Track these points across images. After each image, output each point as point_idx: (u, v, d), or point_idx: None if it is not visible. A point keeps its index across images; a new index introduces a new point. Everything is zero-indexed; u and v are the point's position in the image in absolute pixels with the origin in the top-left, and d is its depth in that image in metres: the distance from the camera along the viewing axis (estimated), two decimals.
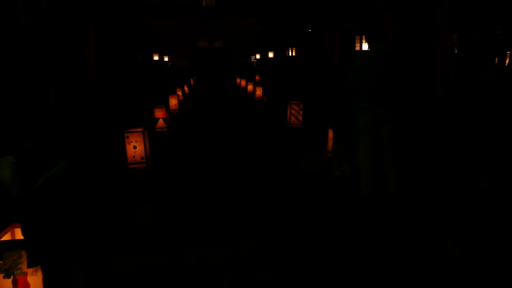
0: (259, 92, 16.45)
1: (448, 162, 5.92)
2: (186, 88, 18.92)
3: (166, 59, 29.05)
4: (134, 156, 6.07)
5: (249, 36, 32.67)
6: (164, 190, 5.10)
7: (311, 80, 16.44)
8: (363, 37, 10.68)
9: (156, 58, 24.79)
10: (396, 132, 4.35)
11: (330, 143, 6.61)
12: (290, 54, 20.81)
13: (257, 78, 25.03)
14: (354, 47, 11.06)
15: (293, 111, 9.48)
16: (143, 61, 19.93)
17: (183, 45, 32.89)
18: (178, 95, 13.54)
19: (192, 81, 26.03)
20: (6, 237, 2.51)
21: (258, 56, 30.88)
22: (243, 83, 23.36)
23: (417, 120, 7.00)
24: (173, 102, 12.99)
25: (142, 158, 6.10)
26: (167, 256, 3.30)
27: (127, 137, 6.02)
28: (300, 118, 9.50)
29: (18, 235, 2.44)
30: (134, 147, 6.04)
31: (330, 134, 6.57)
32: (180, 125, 10.28)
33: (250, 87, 18.97)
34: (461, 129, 6.70)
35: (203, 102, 16.38)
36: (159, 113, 9.30)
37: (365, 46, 10.78)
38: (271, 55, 25.97)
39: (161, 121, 9.32)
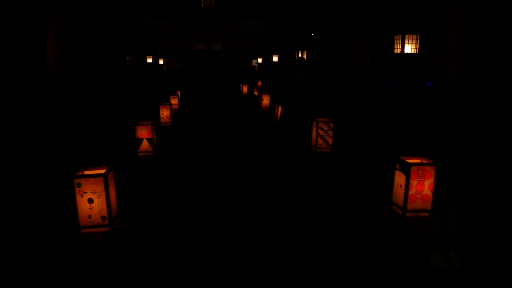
0: (266, 101, 14.14)
1: None
2: (178, 93, 16.54)
3: (161, 62, 26.78)
4: (89, 216, 3.73)
5: (251, 38, 30.47)
6: (137, 276, 2.79)
7: (330, 90, 14.14)
8: (406, 36, 8.38)
9: (149, 60, 22.52)
10: None
11: (398, 192, 4.32)
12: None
13: (260, 83, 22.91)
14: (393, 49, 8.73)
15: (320, 132, 7.17)
16: (132, 64, 17.54)
17: (180, 47, 30.67)
18: (171, 104, 11.17)
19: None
20: None
21: (260, 60, 28.52)
22: (244, 89, 21.10)
23: None
24: (164, 113, 10.67)
25: (103, 218, 3.76)
26: None
27: (79, 185, 3.68)
28: (330, 140, 7.20)
29: None
30: (90, 200, 3.71)
31: (399, 178, 4.28)
32: (171, 147, 7.93)
33: (254, 94, 16.71)
34: None
35: (201, 113, 14.01)
36: (143, 133, 6.95)
37: (408, 48, 8.46)
38: (275, 59, 23.64)
39: (145, 143, 6.98)
